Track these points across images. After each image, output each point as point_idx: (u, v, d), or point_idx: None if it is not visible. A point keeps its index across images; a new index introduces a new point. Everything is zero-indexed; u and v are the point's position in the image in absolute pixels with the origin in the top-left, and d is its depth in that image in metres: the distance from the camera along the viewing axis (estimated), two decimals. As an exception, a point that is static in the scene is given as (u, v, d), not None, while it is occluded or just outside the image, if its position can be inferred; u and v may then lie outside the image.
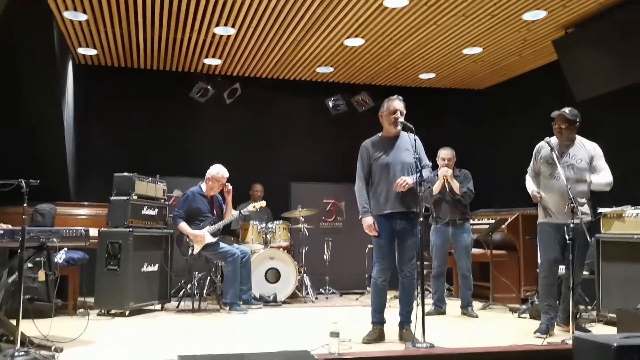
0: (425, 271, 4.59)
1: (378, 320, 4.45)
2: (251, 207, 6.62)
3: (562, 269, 4.80)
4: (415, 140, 4.37)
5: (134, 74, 8.02)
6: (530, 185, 4.90)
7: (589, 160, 4.71)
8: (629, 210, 5.27)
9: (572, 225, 4.28)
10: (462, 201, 5.94)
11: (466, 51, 7.20)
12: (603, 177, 4.69)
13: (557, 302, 4.86)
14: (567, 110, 4.68)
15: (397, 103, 4.47)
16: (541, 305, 4.81)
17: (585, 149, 4.75)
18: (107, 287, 5.59)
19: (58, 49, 6.27)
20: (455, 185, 5.91)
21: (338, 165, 7.86)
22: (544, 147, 4.79)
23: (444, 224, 5.95)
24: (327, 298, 7.34)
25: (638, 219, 5.17)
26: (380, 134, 4.60)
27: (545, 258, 4.77)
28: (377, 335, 4.40)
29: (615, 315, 4.69)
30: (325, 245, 7.49)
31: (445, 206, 5.92)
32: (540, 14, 5.96)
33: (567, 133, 4.71)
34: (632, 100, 6.09)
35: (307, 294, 7.05)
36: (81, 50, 7.24)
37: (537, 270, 5.00)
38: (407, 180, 4.27)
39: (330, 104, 8.58)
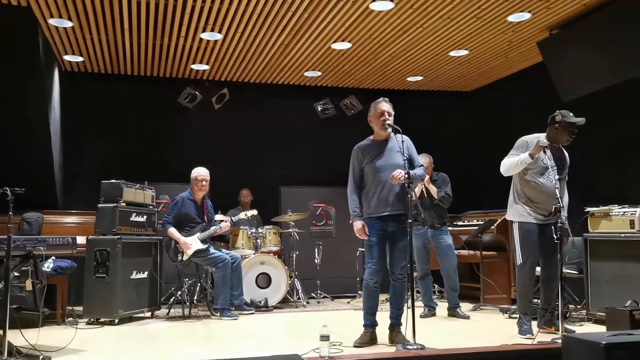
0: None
1: (370, 322, 4.44)
2: (242, 215, 6.68)
3: (537, 270, 4.80)
4: (403, 141, 4.34)
5: (121, 80, 7.98)
6: (520, 155, 4.65)
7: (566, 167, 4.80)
8: (616, 209, 5.31)
9: (559, 224, 4.32)
10: (441, 205, 5.99)
11: (453, 53, 7.24)
12: (566, 199, 4.73)
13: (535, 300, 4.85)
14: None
15: (384, 105, 4.46)
16: (521, 312, 4.74)
17: (564, 155, 4.79)
18: (95, 296, 5.54)
19: (43, 56, 6.24)
20: (433, 190, 5.95)
21: (327, 169, 7.88)
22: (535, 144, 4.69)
23: (423, 227, 5.94)
24: (318, 302, 7.31)
25: (625, 218, 5.21)
26: (371, 138, 4.58)
27: (530, 262, 4.66)
28: (369, 339, 4.39)
29: (604, 314, 4.72)
30: (316, 250, 7.45)
31: (424, 211, 5.89)
32: (524, 16, 6.01)
33: None
34: (617, 100, 6.14)
35: (299, 298, 7.03)
36: (67, 57, 7.20)
37: (516, 274, 4.82)
38: (402, 173, 4.18)
39: (319, 108, 8.58)
